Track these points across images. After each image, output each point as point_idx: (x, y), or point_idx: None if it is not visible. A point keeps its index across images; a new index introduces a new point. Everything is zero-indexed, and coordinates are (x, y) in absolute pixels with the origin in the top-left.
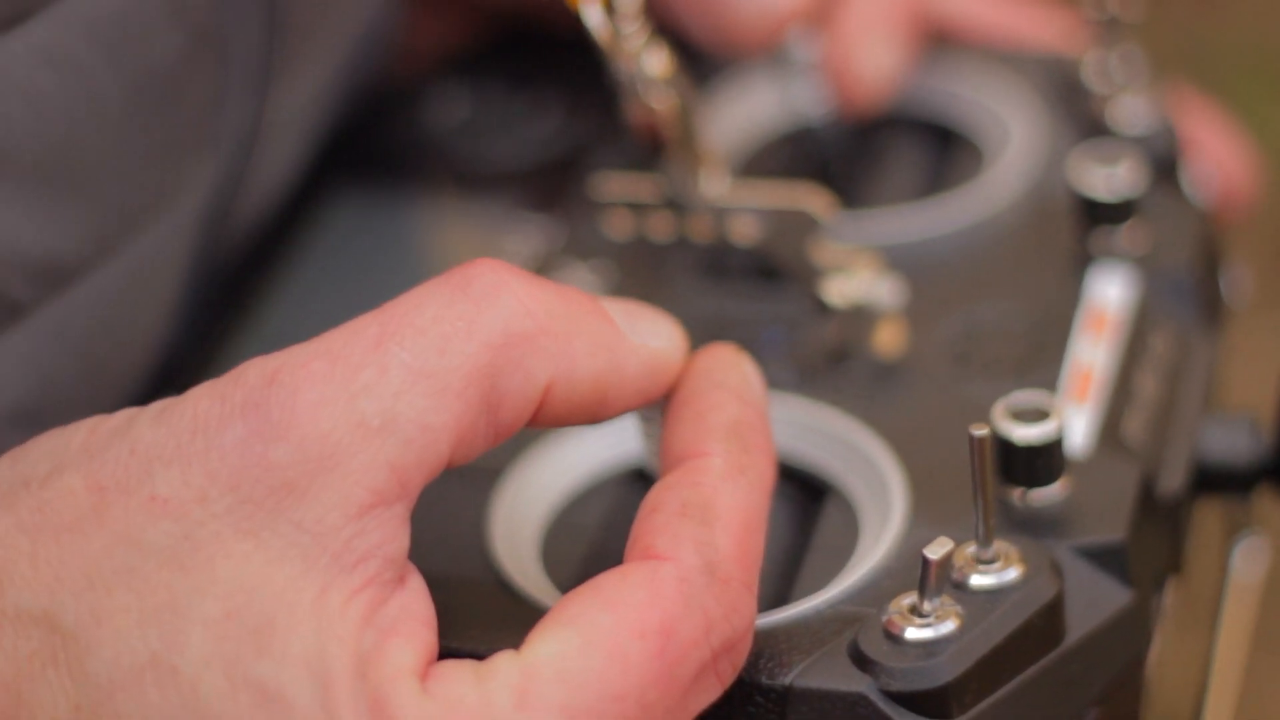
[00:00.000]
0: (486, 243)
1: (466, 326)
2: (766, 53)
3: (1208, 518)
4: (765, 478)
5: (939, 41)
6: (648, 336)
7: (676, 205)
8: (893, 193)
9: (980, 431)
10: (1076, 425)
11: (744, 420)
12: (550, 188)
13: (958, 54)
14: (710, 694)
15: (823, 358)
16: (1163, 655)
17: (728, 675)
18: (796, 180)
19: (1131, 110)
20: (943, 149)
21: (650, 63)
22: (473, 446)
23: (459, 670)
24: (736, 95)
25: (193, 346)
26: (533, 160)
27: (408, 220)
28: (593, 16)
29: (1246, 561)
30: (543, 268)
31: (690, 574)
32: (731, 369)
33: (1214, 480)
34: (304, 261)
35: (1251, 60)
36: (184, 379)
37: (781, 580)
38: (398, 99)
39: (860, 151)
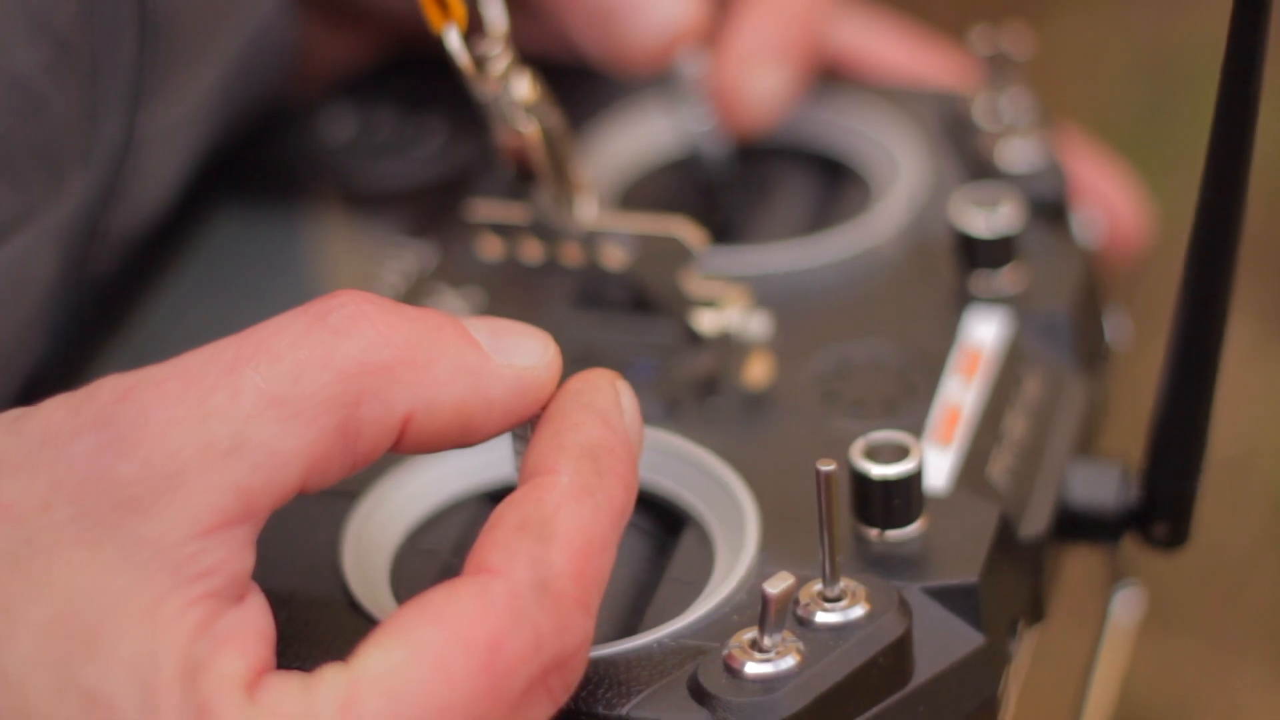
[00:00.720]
0: (365, 264)
1: (323, 355)
2: (657, 72)
3: (1090, 563)
4: (616, 502)
5: (832, 73)
6: (516, 356)
7: (547, 231)
8: (776, 224)
9: (826, 467)
10: (939, 465)
11: (602, 443)
12: (432, 209)
13: (851, 87)
14: (542, 710)
15: (691, 389)
16: (1019, 699)
17: (560, 693)
18: (681, 205)
19: (1018, 150)
20: (830, 182)
21: (515, 88)
22: (327, 474)
23: (286, 681)
24: (624, 117)
25: (62, 358)
26: (416, 181)
27: (288, 239)
28: (452, 41)
29: (1125, 609)
30: (415, 291)
31: (521, 589)
32: (601, 392)
33: (1079, 526)
34: (181, 277)
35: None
36: (50, 391)
37: (633, 611)
38: (287, 116)
39: (746, 179)
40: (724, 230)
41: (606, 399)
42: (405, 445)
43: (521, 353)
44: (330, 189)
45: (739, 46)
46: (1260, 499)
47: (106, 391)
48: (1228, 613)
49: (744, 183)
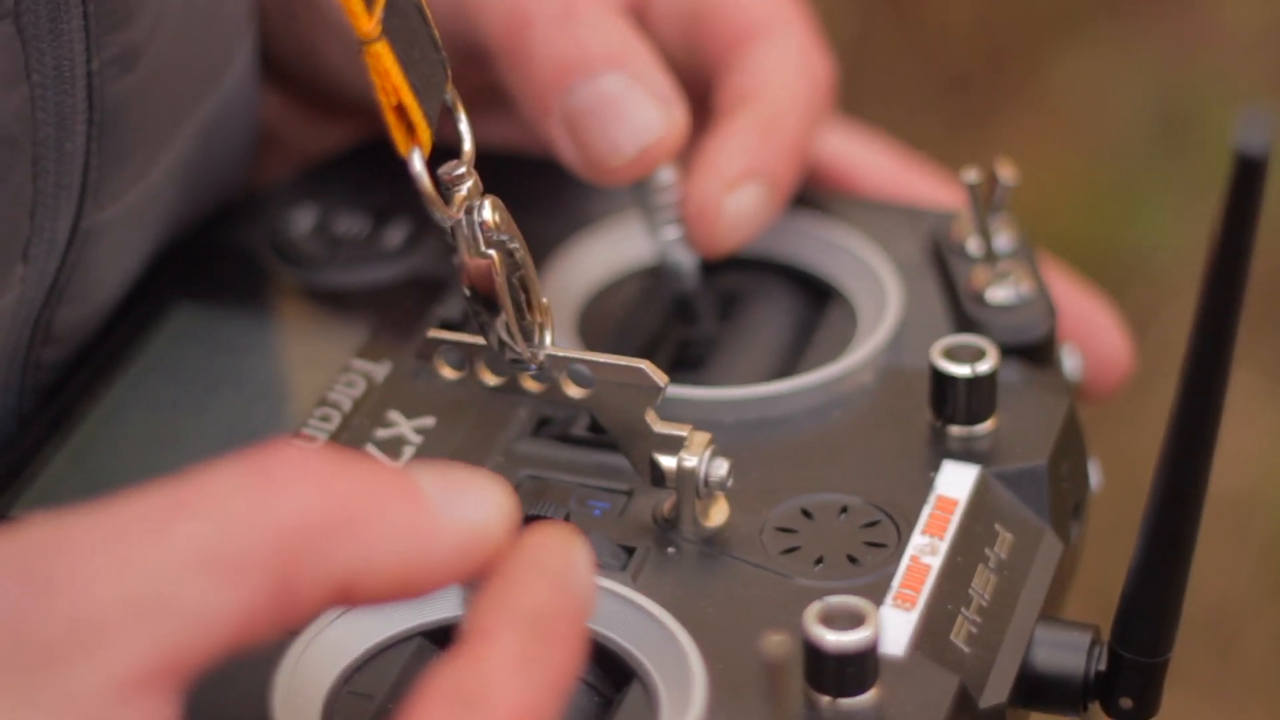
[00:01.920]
0: (318, 376)
1: (259, 512)
2: (631, 181)
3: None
4: (559, 673)
5: (812, 183)
6: (466, 511)
7: (505, 359)
8: (745, 350)
9: (774, 650)
10: (900, 630)
11: (550, 608)
12: (394, 311)
13: (831, 199)
14: None
15: (645, 533)
16: None
17: None
18: (648, 315)
19: (1007, 285)
20: (807, 301)
21: (478, 213)
22: (261, 633)
23: None
24: (594, 222)
25: (6, 457)
26: (378, 280)
27: (242, 344)
28: (415, 165)
29: None
30: (371, 407)
31: None
32: (556, 552)
33: (1043, 694)
34: (129, 376)
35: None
36: None
37: None
38: (251, 202)
39: (717, 290)
40: (690, 349)
41: (560, 561)
42: (345, 603)
43: (472, 508)
44: (290, 286)
45: (716, 160)
46: (1259, 549)
47: (32, 535)
48: (1226, 666)
49: (714, 294)
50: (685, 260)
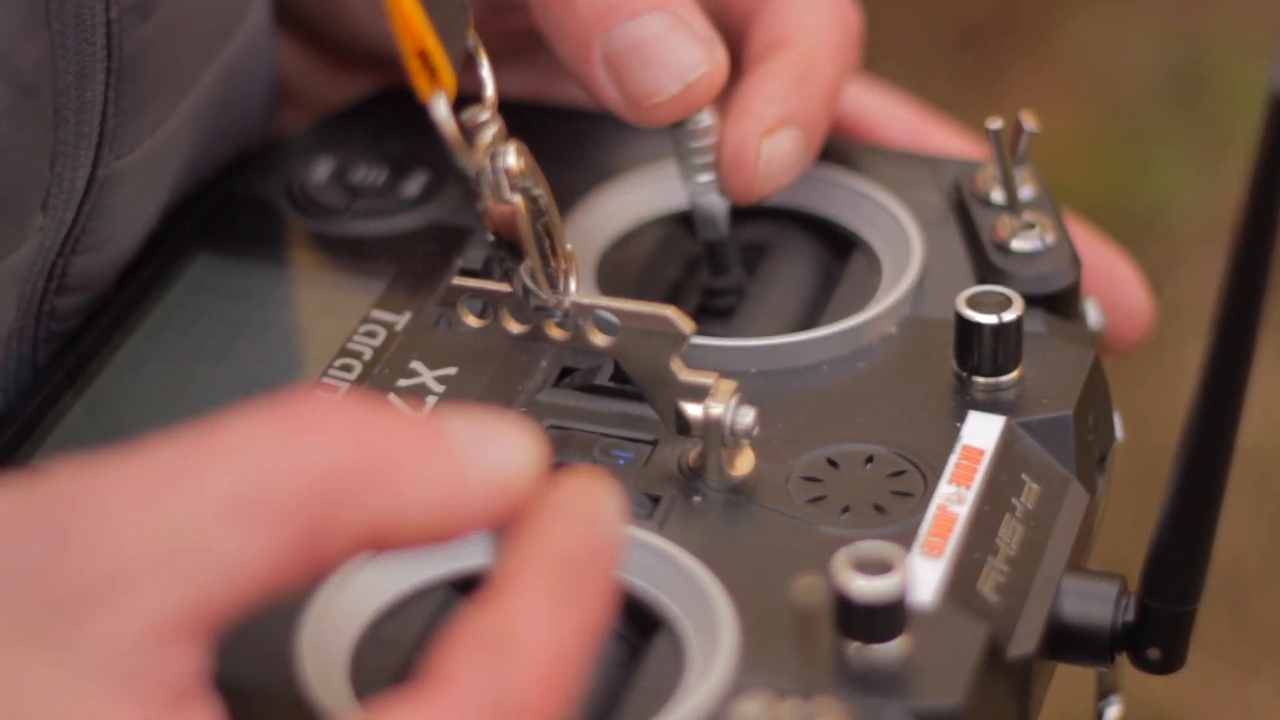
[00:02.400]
0: (340, 327)
1: (290, 460)
2: (673, 121)
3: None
4: (589, 620)
5: (836, 135)
6: (496, 455)
7: (529, 306)
8: (770, 301)
9: (807, 592)
10: (928, 577)
11: (581, 554)
12: (415, 260)
13: (855, 148)
14: None
15: (672, 482)
16: None
17: None
18: (674, 262)
19: (1031, 236)
20: (830, 249)
21: (502, 158)
22: (292, 583)
23: None
24: (615, 181)
25: (20, 406)
26: (398, 228)
27: (260, 294)
28: (439, 110)
29: None
30: (392, 356)
31: (478, 706)
32: (588, 499)
33: (1070, 645)
34: (145, 329)
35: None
36: (6, 442)
37: (599, 718)
38: (268, 151)
39: (743, 240)
40: (714, 299)
41: (592, 507)
42: (375, 549)
43: (502, 453)
44: (308, 236)
45: (752, 106)
46: (1276, 510)
47: (59, 483)
48: (1239, 628)
49: (739, 244)
50: (718, 206)
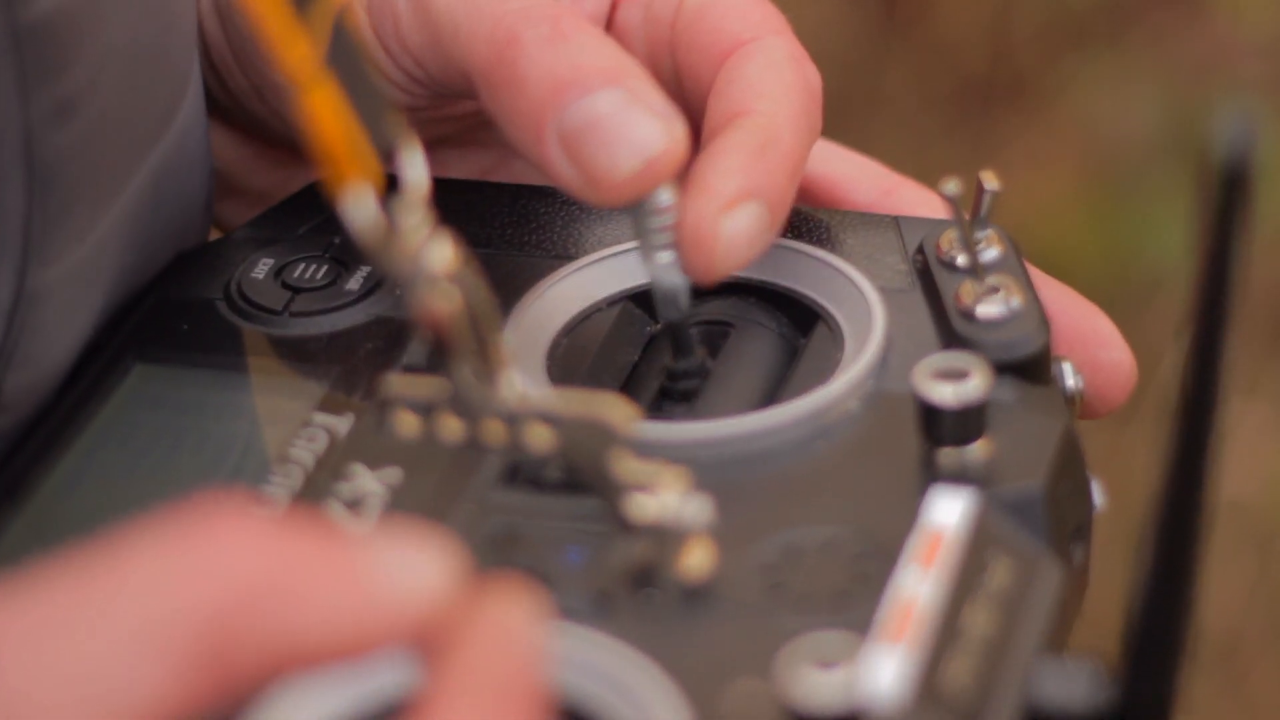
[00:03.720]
0: (278, 434)
1: (189, 586)
2: (630, 201)
3: None
4: None
5: (799, 198)
6: (408, 578)
7: (468, 408)
8: (729, 379)
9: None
10: (887, 668)
11: (507, 674)
12: (355, 359)
13: (816, 212)
14: None
15: (622, 580)
16: None
17: None
18: (629, 342)
19: (997, 299)
20: (790, 318)
21: (433, 258)
22: (197, 710)
23: None
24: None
25: None
26: (338, 325)
27: (202, 395)
28: (361, 213)
29: None
30: (335, 461)
31: None
32: (507, 616)
33: None
34: (84, 436)
35: None
36: None
37: None
38: (201, 254)
39: (701, 314)
40: (676, 381)
41: (514, 625)
42: (280, 674)
43: (413, 572)
44: (247, 339)
45: (710, 181)
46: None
47: None
48: (1237, 701)
49: (703, 321)
50: (678, 285)
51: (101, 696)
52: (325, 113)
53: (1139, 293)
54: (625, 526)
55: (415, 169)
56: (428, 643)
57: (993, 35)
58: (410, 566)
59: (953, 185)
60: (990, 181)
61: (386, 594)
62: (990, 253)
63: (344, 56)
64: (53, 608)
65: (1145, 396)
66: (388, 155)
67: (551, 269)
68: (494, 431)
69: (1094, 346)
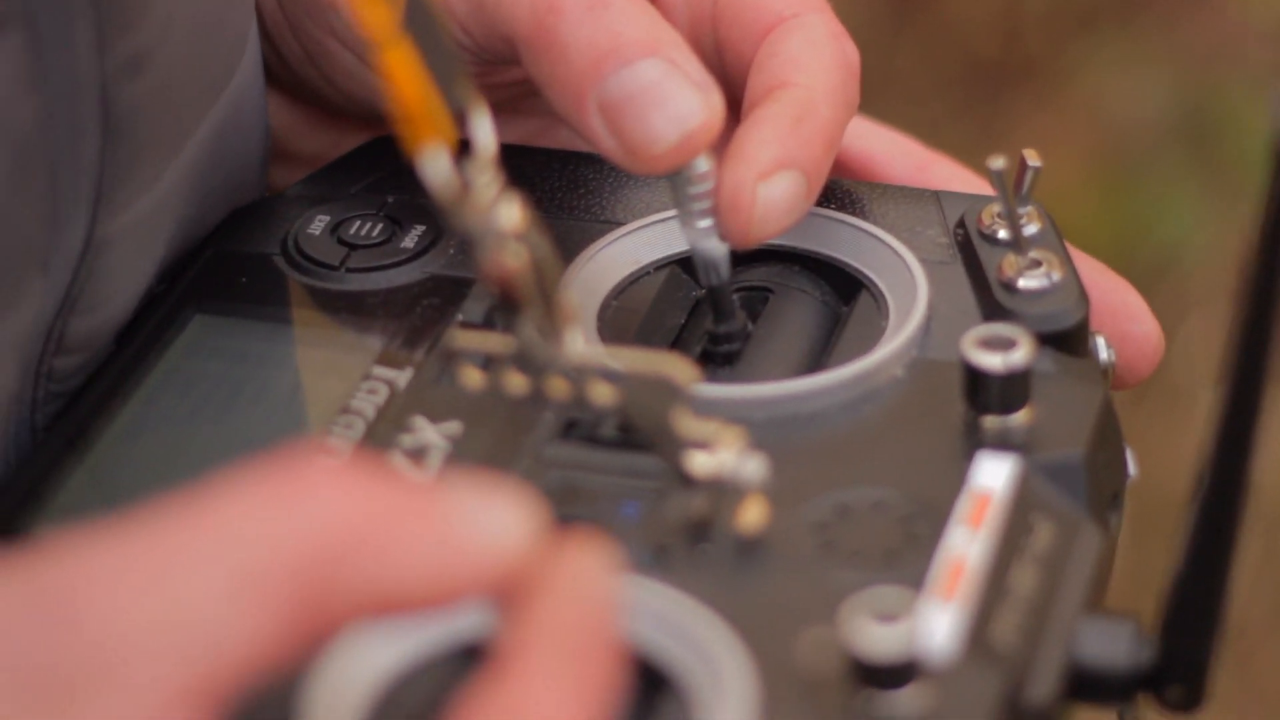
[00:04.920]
0: (339, 387)
1: (283, 532)
2: (670, 170)
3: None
4: (597, 689)
5: (838, 172)
6: (490, 529)
7: (531, 363)
8: (775, 346)
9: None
10: (939, 624)
11: (584, 626)
12: (413, 313)
13: (857, 185)
14: None
15: (680, 534)
16: None
17: None
18: (675, 309)
19: (1038, 272)
20: (837, 290)
21: (502, 216)
22: (292, 654)
23: None
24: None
25: (20, 473)
26: (396, 281)
27: (260, 346)
28: (433, 167)
29: None
30: (395, 414)
31: None
32: (586, 569)
33: (1089, 687)
34: (145, 385)
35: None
36: (7, 510)
37: None
38: (260, 207)
39: (745, 281)
40: (718, 345)
41: (591, 576)
42: (370, 621)
43: (496, 522)
44: (305, 293)
45: (747, 150)
46: None
47: (56, 565)
48: (1242, 683)
49: (745, 287)
50: (718, 251)
51: (197, 640)
52: (403, 71)
53: (1148, 274)
54: (683, 482)
55: (484, 130)
56: (507, 592)
57: (1003, 18)
58: (493, 518)
59: (1000, 161)
60: (1033, 158)
61: (472, 544)
62: (1031, 227)
63: (419, 20)
64: (149, 552)
65: (1156, 376)
66: (459, 117)
67: (600, 233)
68: (557, 387)
69: (1123, 319)
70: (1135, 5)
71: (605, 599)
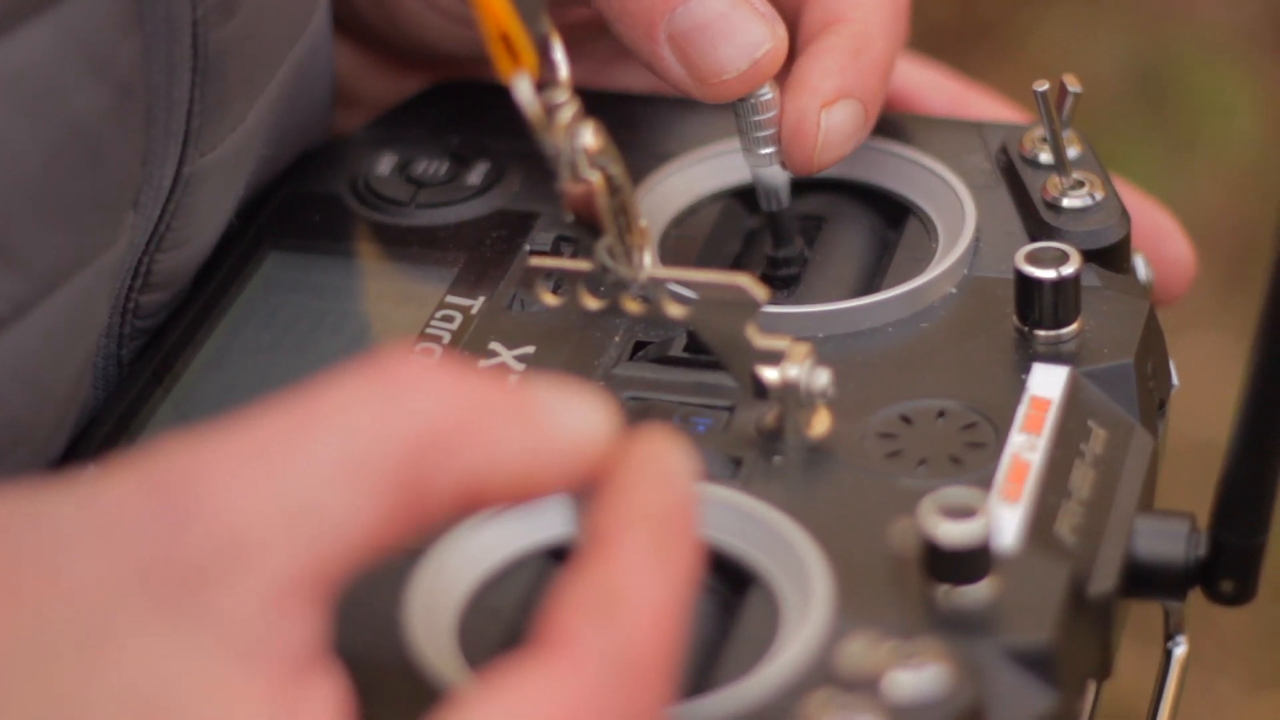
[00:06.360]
0: (414, 313)
1: (389, 422)
2: (738, 97)
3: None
4: (684, 570)
5: (887, 105)
6: (576, 420)
7: (605, 281)
8: (832, 270)
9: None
10: (1008, 522)
11: (667, 509)
12: (481, 247)
13: (905, 117)
14: None
15: (753, 444)
16: None
17: None
18: (735, 234)
19: (1080, 193)
20: (887, 217)
21: (580, 137)
22: (394, 540)
23: None
24: (673, 162)
25: (110, 404)
26: (463, 216)
27: (336, 279)
28: (523, 91)
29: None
30: (470, 339)
31: (597, 660)
32: (664, 456)
33: (1146, 582)
34: (226, 319)
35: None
36: (100, 439)
37: (699, 671)
38: (329, 149)
39: (803, 211)
40: (778, 269)
41: (668, 463)
42: (466, 509)
43: (581, 416)
44: (376, 229)
45: (810, 80)
46: None
47: (170, 461)
48: (1207, 631)
49: (799, 216)
50: (779, 178)
51: (314, 527)
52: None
53: None
54: (754, 395)
55: (560, 55)
56: (593, 481)
57: None
58: (578, 411)
59: (1044, 84)
60: (1072, 84)
61: (562, 436)
62: (1072, 150)
63: None
64: (260, 444)
65: None
66: (542, 47)
67: (652, 169)
68: (630, 304)
69: (1157, 239)
70: None
71: (686, 484)
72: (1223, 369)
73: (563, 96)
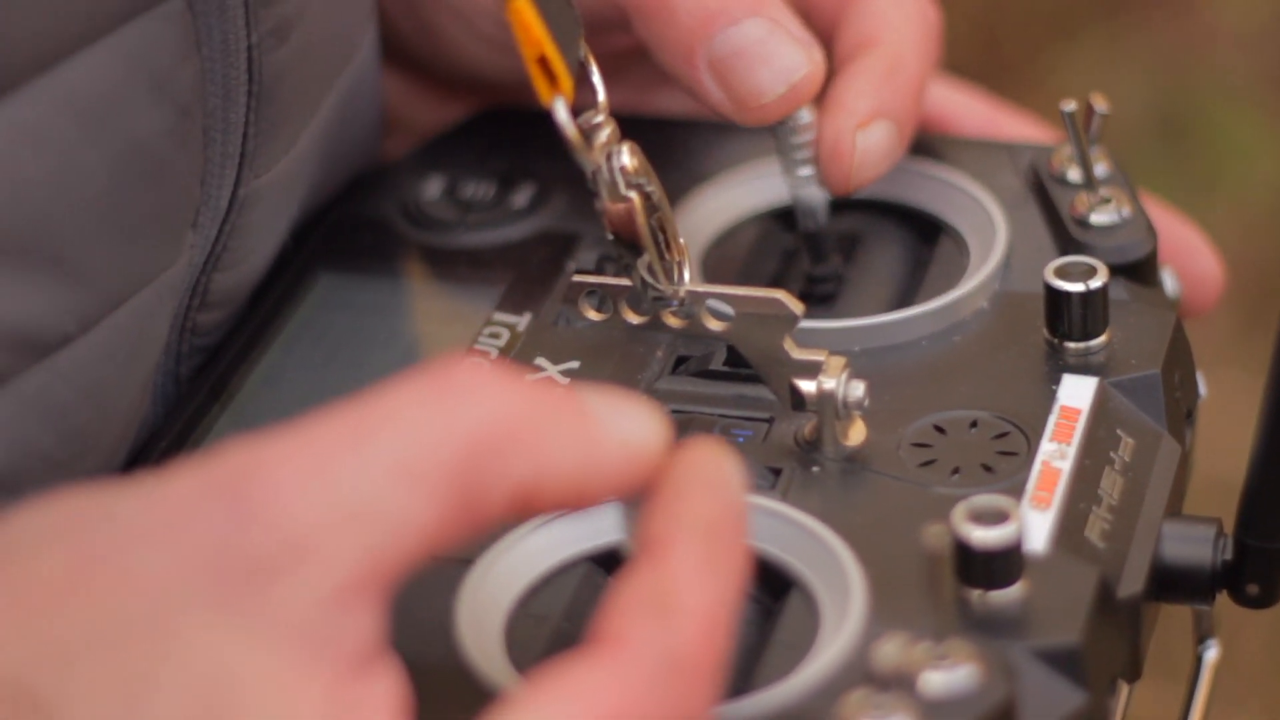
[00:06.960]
0: (461, 332)
1: (446, 424)
2: (776, 121)
3: (1182, 619)
4: (734, 576)
5: (920, 126)
6: (629, 429)
7: (648, 296)
8: (868, 286)
9: (934, 539)
10: (1038, 528)
11: (718, 516)
12: (527, 267)
13: (938, 139)
14: None
15: (790, 455)
16: None
17: None
18: (773, 254)
19: (1108, 209)
20: (921, 236)
21: (618, 157)
22: (449, 541)
23: None
24: (712, 183)
25: (169, 419)
26: (509, 238)
27: (386, 299)
28: (560, 113)
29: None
30: (517, 355)
31: (649, 662)
32: (713, 464)
33: (1174, 585)
34: (281, 337)
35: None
36: (160, 452)
37: (740, 674)
38: (377, 174)
39: (839, 231)
40: (815, 286)
41: (718, 470)
42: (519, 514)
43: (634, 426)
44: (425, 250)
45: (846, 101)
46: None
47: (233, 461)
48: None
49: (836, 234)
50: (817, 198)
51: (373, 526)
52: (534, 24)
53: None
54: (791, 408)
55: (597, 82)
56: (644, 488)
57: (981, 27)
58: (630, 419)
59: (1071, 104)
60: (1100, 104)
61: (616, 444)
62: (1099, 168)
63: None
64: (320, 445)
65: None
66: (579, 72)
67: (696, 188)
68: (672, 318)
69: (1186, 254)
70: (1110, 9)
71: (736, 492)
72: (1242, 408)
73: (600, 118)
